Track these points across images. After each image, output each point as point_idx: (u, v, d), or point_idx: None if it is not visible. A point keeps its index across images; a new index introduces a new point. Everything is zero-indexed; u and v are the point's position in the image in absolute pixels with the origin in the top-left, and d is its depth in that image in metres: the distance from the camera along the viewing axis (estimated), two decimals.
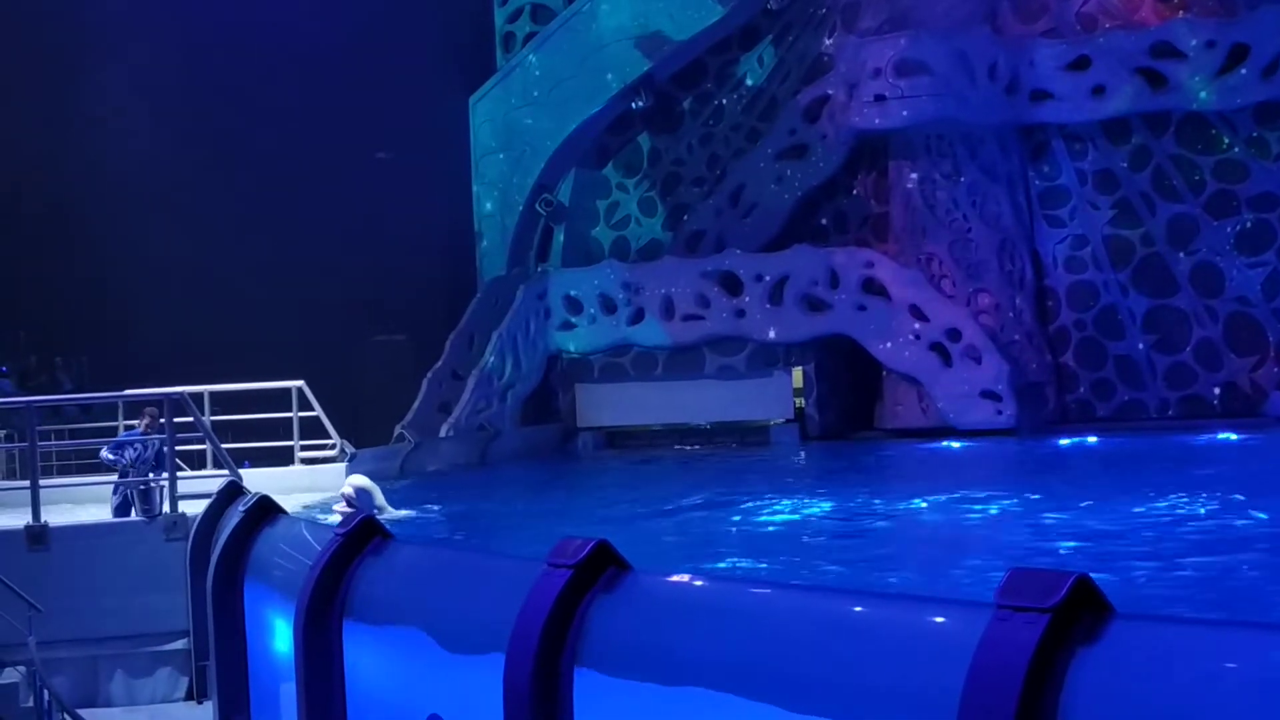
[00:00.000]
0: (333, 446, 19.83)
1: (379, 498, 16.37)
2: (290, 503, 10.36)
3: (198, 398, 17.58)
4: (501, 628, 4.64)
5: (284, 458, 19.53)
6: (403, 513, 16.67)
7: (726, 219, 32.32)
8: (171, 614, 12.93)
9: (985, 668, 3.18)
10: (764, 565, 12.71)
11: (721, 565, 12.56)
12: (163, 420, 15.15)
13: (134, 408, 18.28)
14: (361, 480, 16.61)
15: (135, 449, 15.70)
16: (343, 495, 16.07)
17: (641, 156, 33.82)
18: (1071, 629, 3.17)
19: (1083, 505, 16.26)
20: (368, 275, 35.29)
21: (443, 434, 27.13)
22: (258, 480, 14.02)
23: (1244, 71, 28.12)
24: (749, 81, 33.00)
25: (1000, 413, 27.89)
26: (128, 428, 17.94)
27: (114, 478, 15.90)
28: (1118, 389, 29.86)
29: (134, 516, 14.98)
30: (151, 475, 15.24)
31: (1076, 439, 26.71)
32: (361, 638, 6.12)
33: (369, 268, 35.29)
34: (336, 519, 8.01)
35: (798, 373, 29.79)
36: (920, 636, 3.58)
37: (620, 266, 31.14)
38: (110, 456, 15.94)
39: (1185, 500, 16.09)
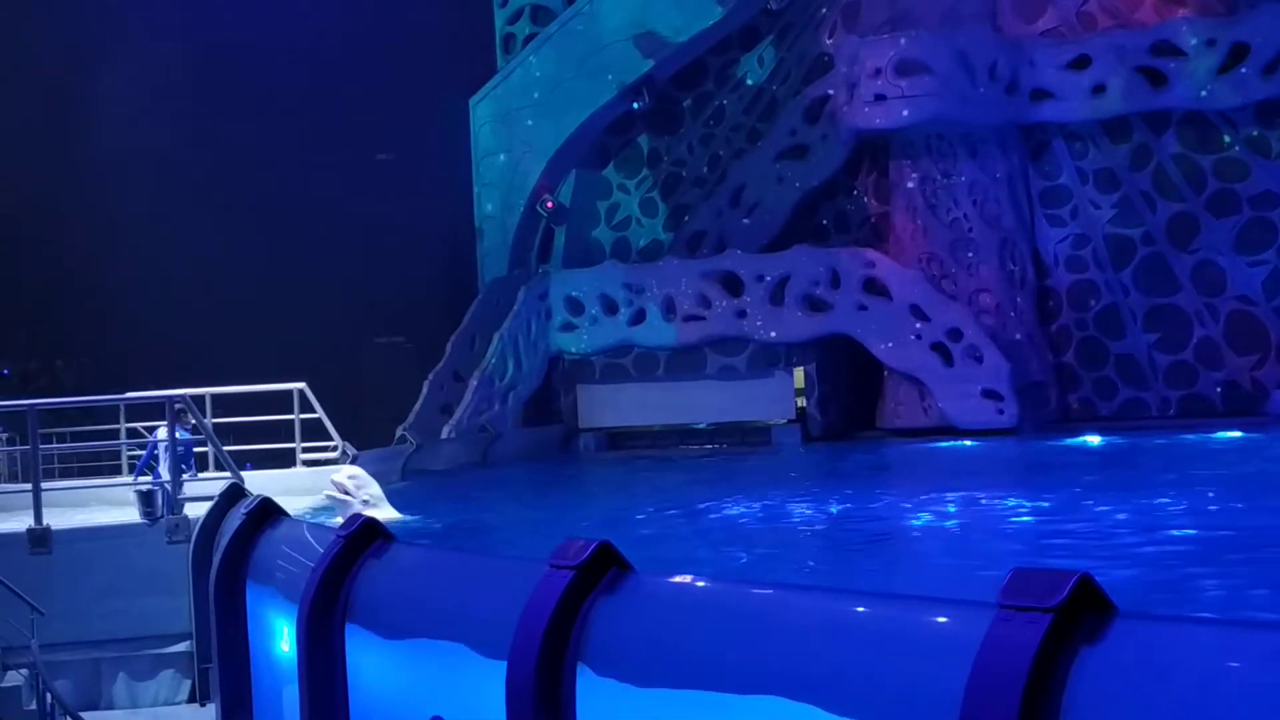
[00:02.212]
0: (334, 448, 19.85)
1: (373, 488, 16.25)
2: (292, 505, 10.36)
3: (199, 400, 17.62)
4: (504, 629, 4.64)
5: (286, 460, 19.57)
6: (395, 514, 16.51)
7: (727, 219, 32.32)
8: (174, 616, 12.94)
9: (988, 668, 3.18)
10: (765, 566, 12.70)
11: (723, 566, 12.56)
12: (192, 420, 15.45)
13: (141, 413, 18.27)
14: (355, 470, 16.57)
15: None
16: (333, 482, 16.00)
17: (642, 157, 33.81)
18: (1074, 629, 3.17)
19: (1084, 504, 16.27)
20: (369, 277, 35.37)
21: (444, 435, 27.12)
22: (260, 482, 14.03)
23: (1244, 70, 28.10)
24: (749, 82, 32.99)
25: (1001, 412, 27.89)
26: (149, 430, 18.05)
27: (112, 480, 15.88)
28: (1119, 388, 29.86)
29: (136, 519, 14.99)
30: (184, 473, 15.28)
31: (1077, 438, 26.68)
32: (364, 639, 6.13)
33: (370, 269, 35.37)
34: (339, 520, 8.00)
35: (799, 373, 29.77)
36: (922, 637, 3.58)
37: (621, 267, 31.14)
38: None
39: (1185, 499, 16.08)
